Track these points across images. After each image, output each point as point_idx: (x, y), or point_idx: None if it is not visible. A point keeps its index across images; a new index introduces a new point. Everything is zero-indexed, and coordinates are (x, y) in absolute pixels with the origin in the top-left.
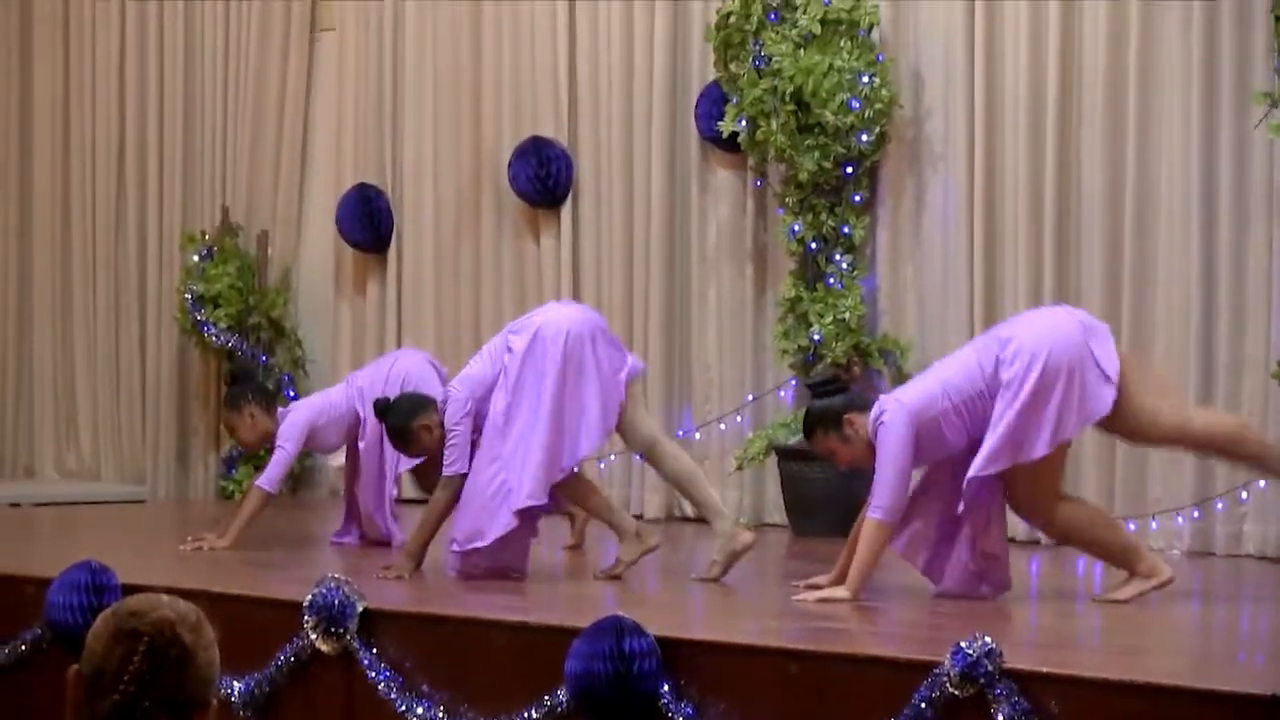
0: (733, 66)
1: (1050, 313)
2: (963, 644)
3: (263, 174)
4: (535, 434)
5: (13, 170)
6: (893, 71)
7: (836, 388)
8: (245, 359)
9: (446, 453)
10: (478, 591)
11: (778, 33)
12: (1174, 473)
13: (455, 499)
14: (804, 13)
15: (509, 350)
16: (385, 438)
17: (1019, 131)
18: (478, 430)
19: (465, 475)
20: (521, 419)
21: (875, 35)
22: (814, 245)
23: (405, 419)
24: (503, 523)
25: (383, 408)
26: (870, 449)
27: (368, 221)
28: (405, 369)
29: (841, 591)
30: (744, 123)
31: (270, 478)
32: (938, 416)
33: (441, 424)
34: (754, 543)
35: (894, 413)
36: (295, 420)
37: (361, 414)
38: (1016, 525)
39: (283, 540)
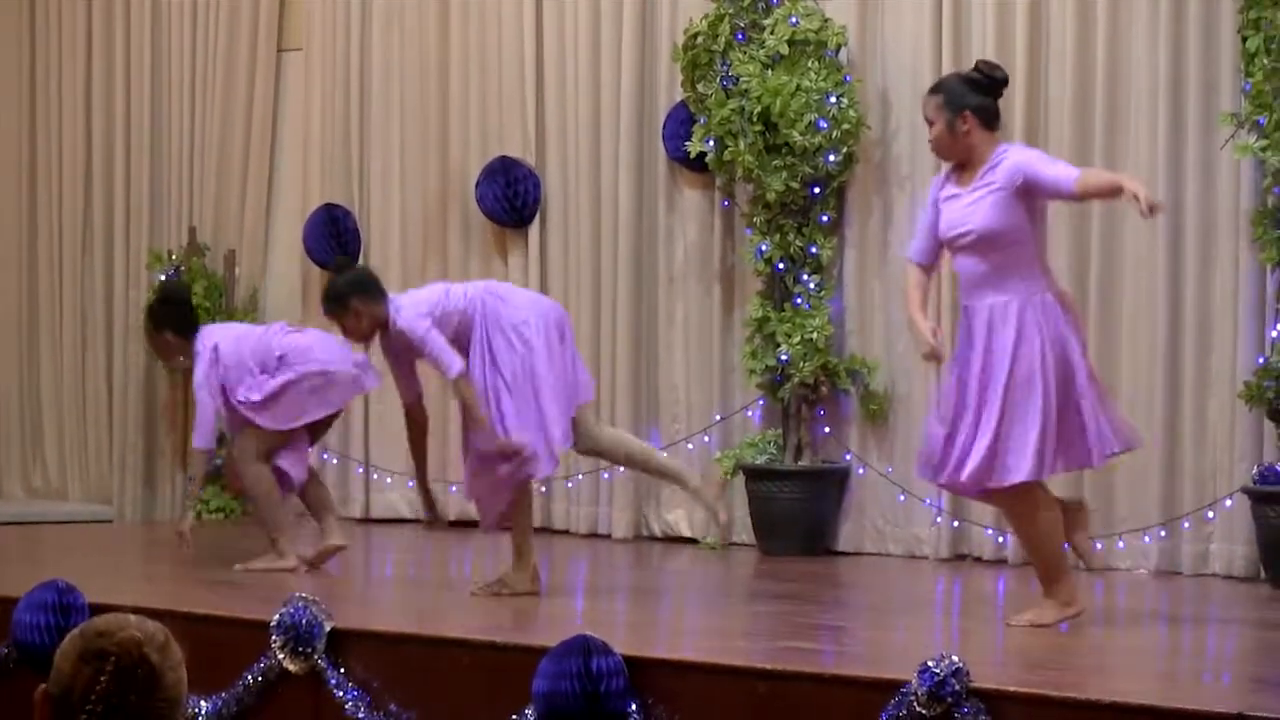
0: (700, 87)
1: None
2: (930, 663)
3: (230, 194)
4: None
5: None
6: (860, 92)
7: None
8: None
9: (441, 358)
10: (445, 612)
11: (745, 53)
12: (1141, 492)
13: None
14: (771, 33)
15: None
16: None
17: None
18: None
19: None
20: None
21: (843, 56)
22: (781, 265)
23: (350, 290)
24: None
25: (342, 263)
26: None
27: (335, 241)
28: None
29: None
30: (711, 143)
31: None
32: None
33: (376, 320)
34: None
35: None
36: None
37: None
38: (983, 545)
39: (249, 559)
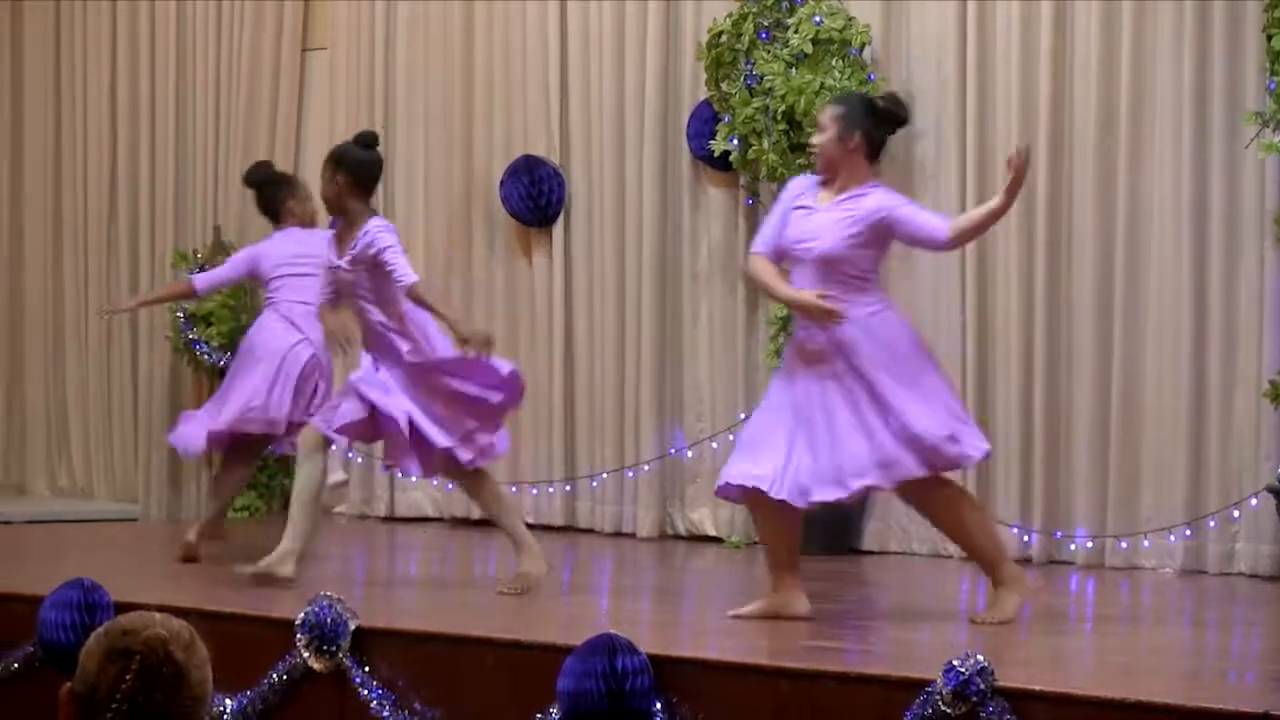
0: (724, 86)
1: None
2: (955, 662)
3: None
4: None
5: (4, 189)
6: (884, 91)
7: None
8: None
9: (398, 267)
10: (470, 610)
11: (769, 52)
12: (1166, 490)
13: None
14: (795, 32)
15: None
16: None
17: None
18: None
19: None
20: None
21: (867, 54)
22: None
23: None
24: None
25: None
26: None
27: None
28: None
29: None
30: (735, 142)
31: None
32: None
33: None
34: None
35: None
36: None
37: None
38: (1007, 544)
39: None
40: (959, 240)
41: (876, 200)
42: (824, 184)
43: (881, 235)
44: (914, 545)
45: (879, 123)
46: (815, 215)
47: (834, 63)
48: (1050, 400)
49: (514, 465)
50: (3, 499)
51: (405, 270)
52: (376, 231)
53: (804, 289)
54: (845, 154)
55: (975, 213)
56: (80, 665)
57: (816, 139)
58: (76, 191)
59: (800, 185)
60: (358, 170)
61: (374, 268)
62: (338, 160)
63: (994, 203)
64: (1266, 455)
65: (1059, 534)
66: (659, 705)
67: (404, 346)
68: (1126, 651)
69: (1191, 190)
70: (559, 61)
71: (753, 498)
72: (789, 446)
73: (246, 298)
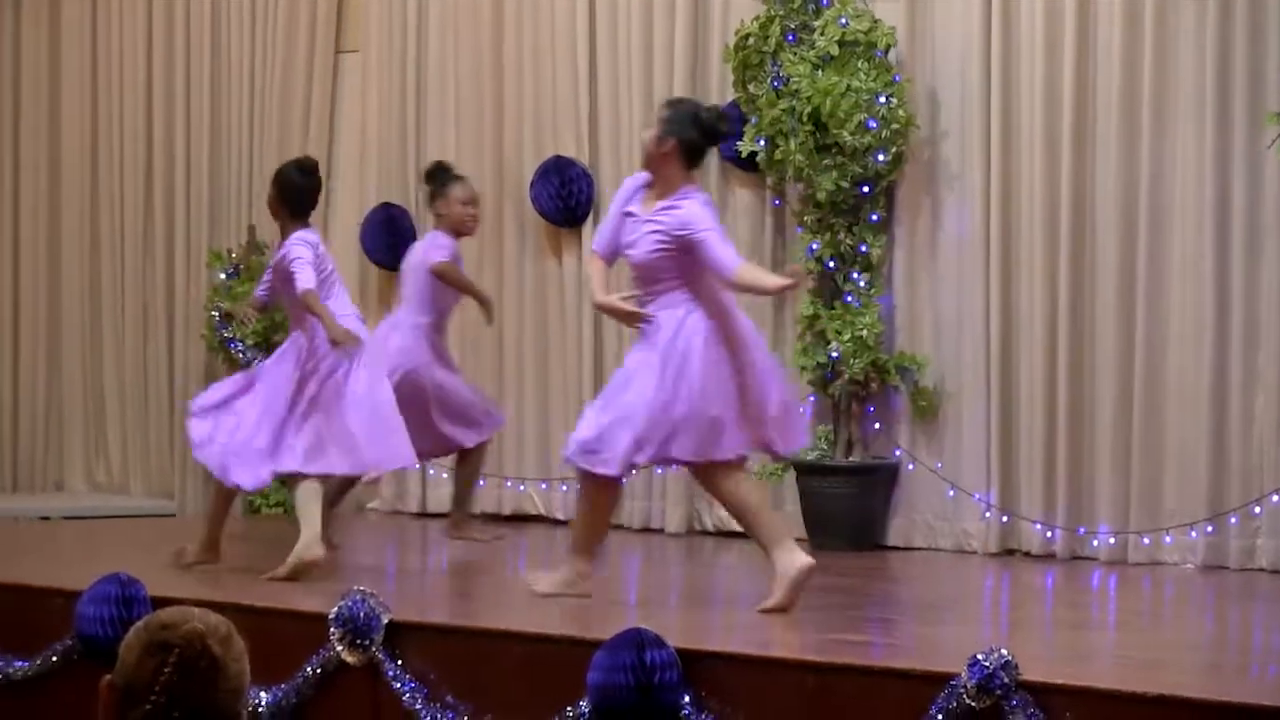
0: (751, 87)
1: None
2: (979, 656)
3: None
4: None
5: (42, 190)
6: (909, 92)
7: None
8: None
9: (299, 275)
10: (501, 605)
11: (795, 54)
12: (1188, 487)
13: None
14: (821, 34)
15: None
16: None
17: (1035, 152)
18: None
19: None
20: None
21: (892, 56)
22: (832, 264)
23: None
24: None
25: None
26: None
27: (392, 240)
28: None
29: None
30: (762, 143)
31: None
32: None
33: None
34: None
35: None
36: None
37: None
38: (1031, 540)
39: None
40: (738, 285)
41: (684, 217)
42: (649, 187)
43: (687, 248)
44: (939, 541)
45: (699, 133)
46: (636, 223)
47: (860, 64)
48: (1073, 397)
49: (543, 461)
50: (41, 495)
51: (302, 279)
52: (292, 244)
53: (629, 290)
54: (660, 156)
55: (759, 276)
56: (120, 658)
57: (645, 137)
58: (113, 192)
59: (630, 187)
60: (285, 190)
61: (289, 277)
62: (274, 177)
63: (769, 282)
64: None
65: (1082, 530)
66: (687, 699)
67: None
68: (1148, 646)
69: (1214, 191)
70: (588, 63)
71: None
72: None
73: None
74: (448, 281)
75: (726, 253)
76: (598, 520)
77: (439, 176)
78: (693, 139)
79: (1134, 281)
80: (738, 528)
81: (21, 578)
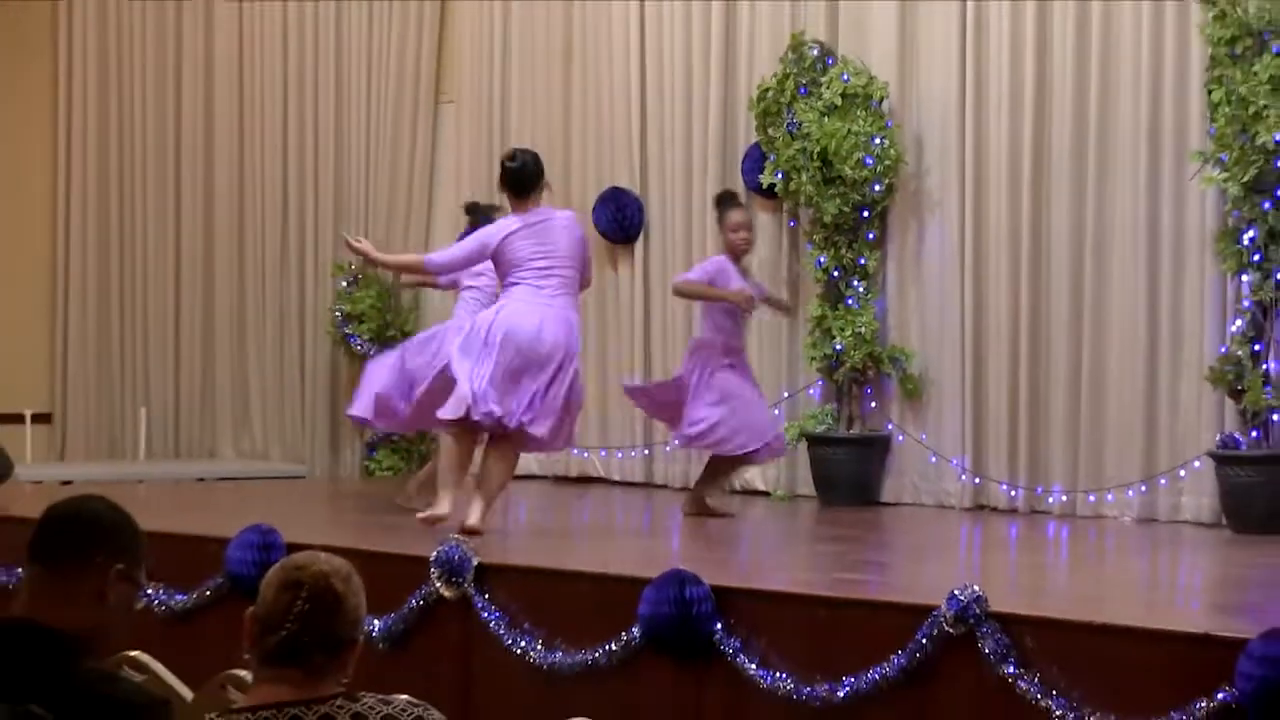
0: (770, 131)
1: None
2: (956, 591)
3: (396, 217)
4: None
5: (198, 213)
6: (899, 135)
7: None
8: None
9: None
10: (569, 550)
11: (807, 104)
12: (1126, 454)
13: None
14: (828, 88)
15: None
16: None
17: (1001, 185)
18: None
19: None
20: None
21: (885, 106)
22: (836, 273)
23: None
24: None
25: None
26: None
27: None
28: None
29: None
30: (780, 176)
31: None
32: None
33: None
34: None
35: None
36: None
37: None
38: (998, 497)
39: (412, 511)
40: (434, 266)
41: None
42: None
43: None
44: (923, 499)
45: (503, 170)
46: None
47: (859, 113)
48: (1032, 382)
49: (604, 433)
50: (197, 460)
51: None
52: None
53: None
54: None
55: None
56: (260, 593)
57: None
58: (256, 220)
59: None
60: None
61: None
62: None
63: (406, 259)
64: (1206, 426)
65: (1040, 489)
66: (719, 626)
67: None
68: (1095, 583)
69: (1146, 214)
70: (639, 111)
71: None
72: None
73: (392, 299)
74: (689, 299)
75: (449, 248)
76: None
77: (721, 203)
78: (504, 175)
79: (1082, 290)
80: (761, 487)
81: (182, 528)
